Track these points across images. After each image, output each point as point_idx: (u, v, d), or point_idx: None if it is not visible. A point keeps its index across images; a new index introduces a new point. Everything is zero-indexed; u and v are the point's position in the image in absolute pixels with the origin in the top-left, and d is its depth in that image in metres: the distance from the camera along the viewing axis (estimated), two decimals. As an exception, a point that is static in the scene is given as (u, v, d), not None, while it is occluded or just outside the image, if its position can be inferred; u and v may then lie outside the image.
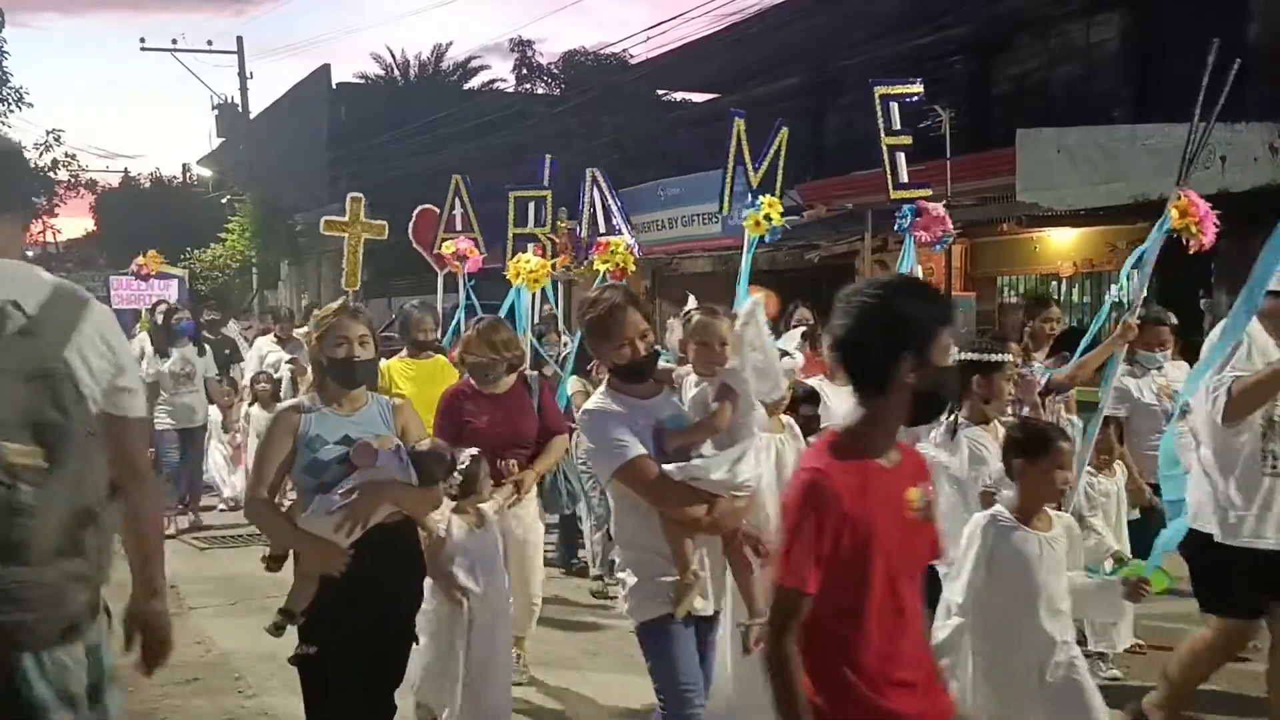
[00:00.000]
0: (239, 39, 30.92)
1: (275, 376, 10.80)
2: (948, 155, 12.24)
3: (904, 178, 7.12)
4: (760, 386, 3.81)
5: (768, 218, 7.08)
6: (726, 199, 7.90)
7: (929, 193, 7.25)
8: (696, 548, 3.65)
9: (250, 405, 10.21)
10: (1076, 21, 15.24)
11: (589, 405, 3.79)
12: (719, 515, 3.63)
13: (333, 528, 3.76)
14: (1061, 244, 13.11)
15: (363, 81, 33.30)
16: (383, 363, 9.10)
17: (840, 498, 2.49)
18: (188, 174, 44.64)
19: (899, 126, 7.18)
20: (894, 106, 7.14)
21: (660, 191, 17.37)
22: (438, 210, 10.49)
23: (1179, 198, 5.55)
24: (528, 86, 30.10)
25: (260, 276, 30.19)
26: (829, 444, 2.62)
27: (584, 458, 6.25)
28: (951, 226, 7.03)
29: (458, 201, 10.03)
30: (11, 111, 26.42)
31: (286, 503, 4.22)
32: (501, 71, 47.46)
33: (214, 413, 10.41)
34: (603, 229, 8.89)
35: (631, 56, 25.05)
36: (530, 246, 8.69)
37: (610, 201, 8.92)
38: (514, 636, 5.31)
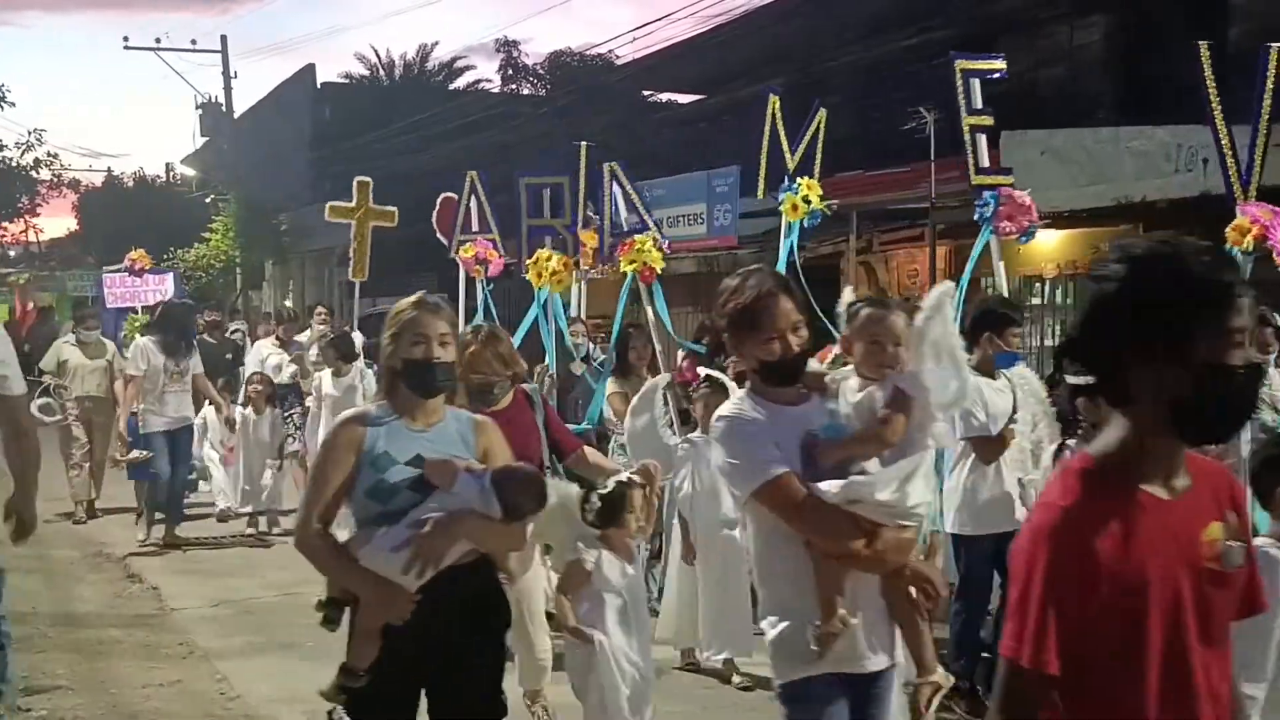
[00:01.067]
0: (223, 38, 30.64)
1: (275, 380, 10.31)
2: (932, 157, 12.27)
3: (985, 161, 6.45)
4: (942, 394, 3.12)
5: (806, 200, 6.52)
6: (762, 183, 7.19)
7: (1012, 180, 6.56)
8: (851, 588, 2.98)
9: (244, 407, 9.56)
10: (1061, 24, 15.31)
11: (725, 411, 3.12)
12: (882, 548, 2.95)
13: (400, 567, 3.11)
14: (1046, 246, 13.13)
15: (347, 81, 33.20)
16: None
17: (1092, 543, 1.87)
18: (171, 173, 44.41)
19: (980, 105, 6.59)
20: (975, 83, 6.56)
21: (645, 192, 17.31)
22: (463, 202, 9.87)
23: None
24: (513, 87, 30.09)
25: (244, 276, 30.04)
26: (1078, 471, 1.98)
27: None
28: (1038, 216, 6.38)
29: (473, 200, 9.29)
30: (-6, 111, 26.22)
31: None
32: (487, 72, 47.40)
33: (209, 414, 9.56)
34: (624, 226, 8.34)
35: (617, 57, 25.09)
36: (548, 240, 8.08)
37: (633, 196, 8.24)
38: (530, 691, 4.89)
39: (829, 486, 2.93)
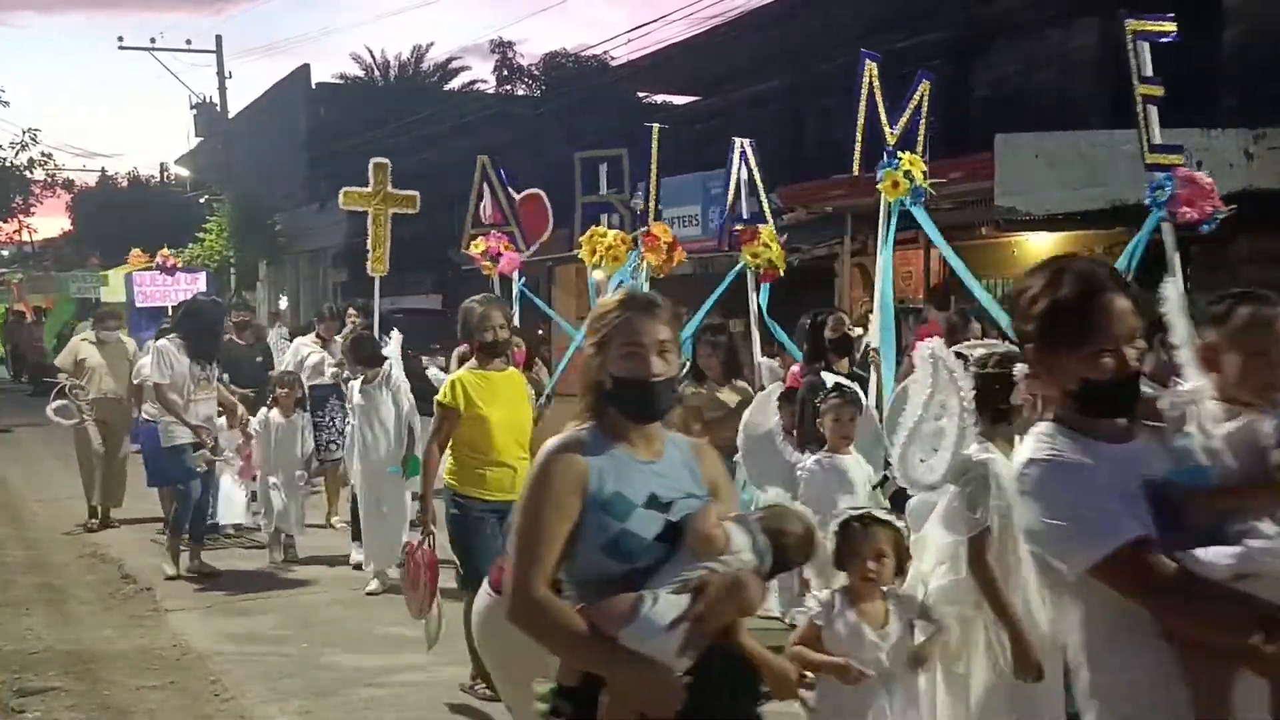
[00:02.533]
0: (218, 38, 30.72)
1: (314, 380, 9.50)
2: (926, 159, 12.29)
3: (1157, 137, 5.45)
4: None
5: (908, 176, 5.88)
6: (857, 158, 6.38)
7: (1182, 158, 5.62)
8: (1241, 698, 2.16)
9: (269, 409, 8.53)
10: (1054, 27, 15.33)
11: (1037, 453, 2.31)
12: None
13: (674, 647, 2.41)
14: (1039, 248, 13.17)
15: (342, 82, 33.17)
16: (436, 373, 7.73)
17: None
18: (165, 173, 44.38)
19: (1151, 73, 5.51)
20: (1146, 48, 5.54)
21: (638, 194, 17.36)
22: (517, 195, 8.87)
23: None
24: (508, 88, 30.06)
25: (238, 276, 30.03)
26: None
27: None
28: (1221, 203, 5.44)
29: (486, 189, 8.42)
30: (-13, 110, 26.16)
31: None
32: (482, 72, 47.40)
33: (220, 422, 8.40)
34: (744, 213, 7.19)
35: (612, 58, 25.08)
36: (604, 217, 7.17)
37: (758, 181, 7.08)
38: None
39: (1212, 556, 2.14)
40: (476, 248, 8.06)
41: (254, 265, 30.93)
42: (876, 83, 6.27)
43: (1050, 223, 11.69)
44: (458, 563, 5.38)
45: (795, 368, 6.68)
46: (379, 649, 6.33)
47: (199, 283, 13.22)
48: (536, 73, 29.36)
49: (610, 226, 7.62)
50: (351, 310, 10.49)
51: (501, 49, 29.67)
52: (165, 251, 13.31)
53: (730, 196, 7.09)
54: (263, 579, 7.94)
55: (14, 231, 36.71)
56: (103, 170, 46.63)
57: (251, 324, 11.18)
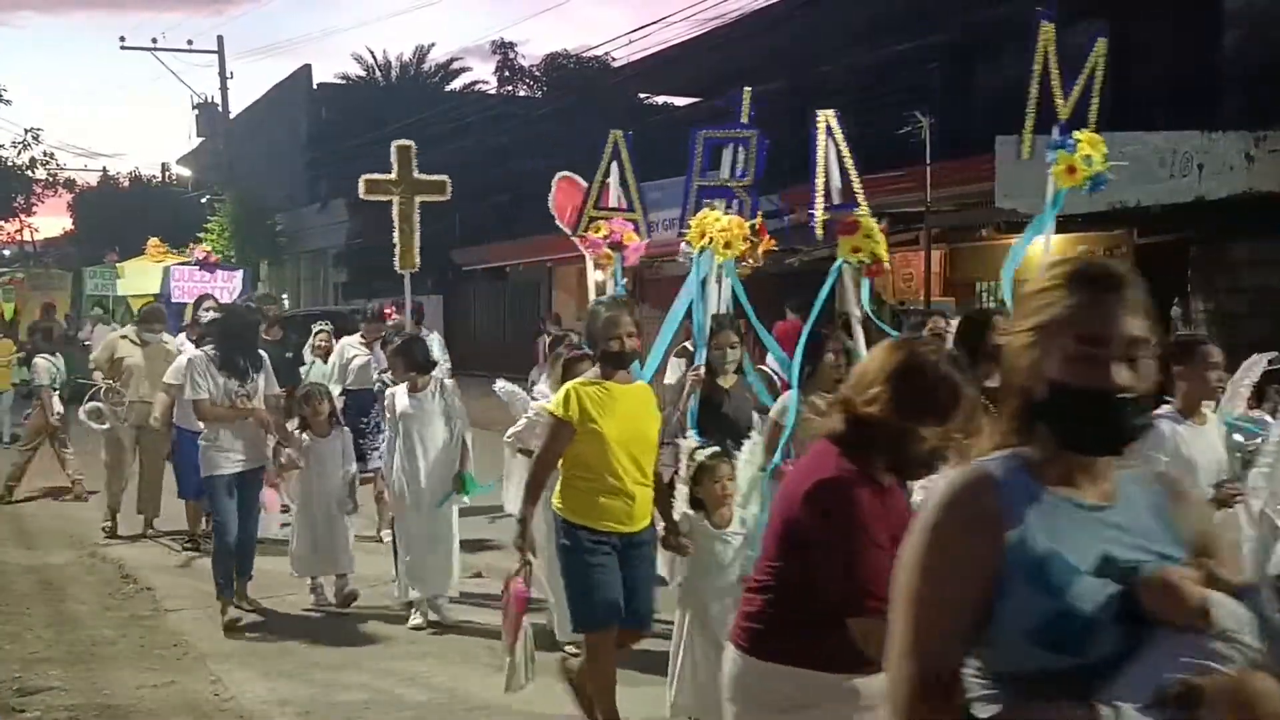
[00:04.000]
0: (219, 38, 30.83)
1: (358, 385, 8.78)
2: (927, 161, 12.30)
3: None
4: None
5: (1088, 160, 5.19)
6: (1026, 138, 5.58)
7: None
8: None
9: (300, 431, 7.25)
10: (1058, 29, 15.34)
11: None
12: None
13: None
14: (1038, 251, 13.19)
15: (344, 82, 33.20)
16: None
17: None
18: (167, 173, 44.39)
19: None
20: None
21: (642, 195, 17.37)
22: (581, 181, 7.89)
23: None
24: (509, 89, 30.08)
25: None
26: None
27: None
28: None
29: (614, 167, 7.18)
30: (-11, 109, 26.17)
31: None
32: (483, 73, 47.35)
33: None
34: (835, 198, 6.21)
35: (613, 60, 25.09)
36: (720, 204, 6.30)
37: (847, 158, 6.06)
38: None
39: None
40: (596, 231, 6.88)
41: (255, 265, 30.97)
42: (1052, 48, 5.56)
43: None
44: (554, 601, 5.13)
45: None
46: (380, 651, 6.33)
47: (235, 280, 12.56)
48: (538, 74, 29.38)
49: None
50: (391, 308, 9.75)
51: (503, 50, 29.72)
52: (204, 247, 12.85)
53: (820, 179, 5.93)
54: (263, 581, 7.81)
55: (15, 231, 36.75)
56: (104, 170, 46.68)
57: (279, 319, 10.44)
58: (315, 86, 33.15)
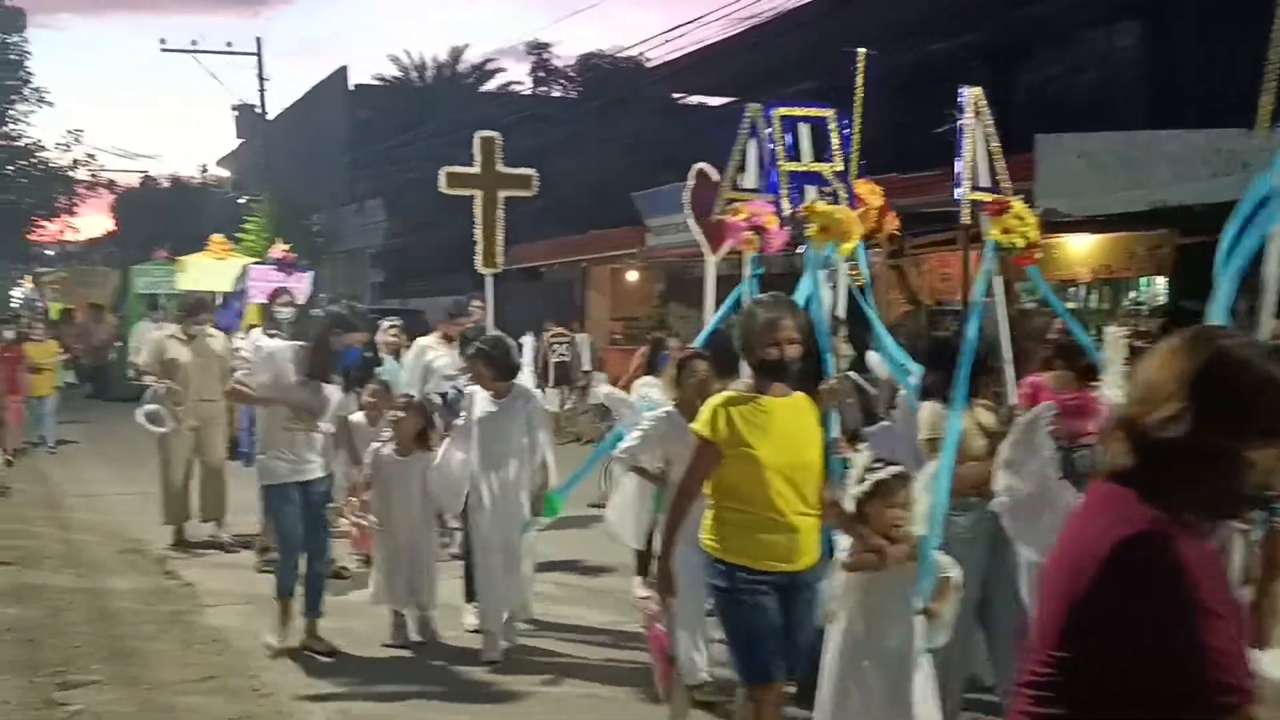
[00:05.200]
0: (258, 40, 30.94)
1: (439, 389, 7.84)
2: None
3: None
4: None
5: None
6: (1266, 118, 4.66)
7: None
8: None
9: (385, 448, 6.54)
10: (1096, 29, 15.20)
11: None
12: None
13: None
14: (1080, 250, 13.07)
15: (380, 83, 33.42)
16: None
17: None
18: (206, 174, 44.90)
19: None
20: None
21: (676, 195, 17.35)
22: (713, 172, 7.26)
23: None
24: (544, 89, 30.16)
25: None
26: None
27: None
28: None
29: (753, 144, 6.38)
30: (33, 111, 26.54)
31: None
32: (518, 74, 47.54)
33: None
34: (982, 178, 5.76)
35: (648, 60, 25.08)
36: (811, 191, 5.71)
37: (992, 137, 5.62)
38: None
39: None
40: (736, 214, 6.16)
41: (292, 265, 31.23)
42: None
43: (1091, 224, 11.59)
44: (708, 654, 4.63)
45: (1035, 379, 5.62)
46: (427, 650, 6.36)
47: (305, 281, 12.13)
48: (572, 74, 29.43)
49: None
50: (477, 302, 8.86)
51: (537, 51, 29.79)
52: (281, 247, 12.28)
53: (968, 155, 5.48)
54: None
55: (58, 232, 37.25)
56: (145, 171, 47.23)
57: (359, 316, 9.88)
58: (352, 88, 33.37)
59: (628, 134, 23.33)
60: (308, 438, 6.13)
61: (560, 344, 15.45)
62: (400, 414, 6.54)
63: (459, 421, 6.32)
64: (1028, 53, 16.13)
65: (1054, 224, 11.74)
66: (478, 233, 7.57)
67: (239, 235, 29.33)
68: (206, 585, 7.71)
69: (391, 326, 9.57)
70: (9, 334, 14.45)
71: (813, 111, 5.96)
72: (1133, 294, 13.29)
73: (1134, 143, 10.83)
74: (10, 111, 26.18)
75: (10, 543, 9.02)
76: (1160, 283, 12.56)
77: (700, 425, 4.09)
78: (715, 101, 24.73)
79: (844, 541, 4.22)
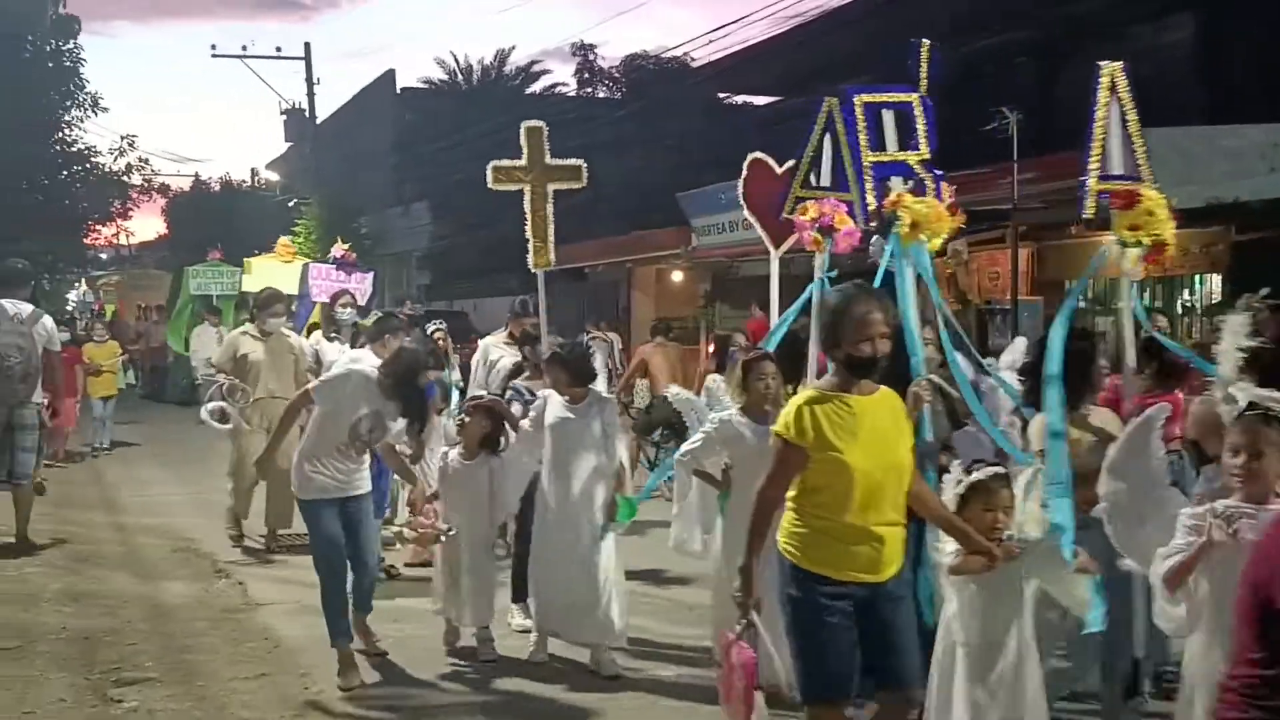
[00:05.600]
0: (306, 45, 31.27)
1: (502, 392, 7.17)
2: (1014, 158, 12.08)
3: None
4: None
5: None
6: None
7: None
8: None
9: (451, 448, 6.36)
10: (1146, 24, 14.97)
11: None
12: None
13: None
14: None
15: (427, 87, 33.67)
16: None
17: None
18: (256, 178, 45.47)
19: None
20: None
21: (721, 195, 17.33)
22: (774, 165, 6.93)
23: None
24: (589, 91, 30.24)
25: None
26: None
27: None
28: None
29: (826, 141, 6.01)
30: (88, 117, 26.97)
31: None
32: (563, 76, 47.72)
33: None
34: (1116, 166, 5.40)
35: (693, 60, 25.08)
36: (898, 182, 5.29)
37: (1131, 120, 5.29)
38: None
39: None
40: (804, 213, 5.89)
41: (340, 268, 31.53)
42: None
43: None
44: (788, 666, 4.05)
45: (1115, 380, 5.33)
46: (468, 652, 6.37)
47: (366, 282, 11.80)
48: (617, 75, 29.48)
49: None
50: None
51: (583, 52, 29.87)
52: (342, 246, 11.92)
53: (1097, 143, 5.22)
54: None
55: (112, 235, 37.85)
56: (196, 175, 47.86)
57: (418, 320, 9.34)
58: (399, 91, 33.64)
59: (673, 134, 23.35)
60: (356, 451, 5.80)
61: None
62: (467, 417, 6.20)
63: (526, 424, 6.13)
64: (1076, 48, 15.91)
65: (1105, 221, 11.59)
66: (528, 229, 7.25)
67: (288, 237, 29.74)
68: (258, 584, 7.80)
69: (436, 330, 9.55)
70: (64, 336, 14.37)
71: (898, 96, 5.50)
72: (1187, 292, 13.08)
73: (1188, 138, 10.67)
74: (65, 118, 26.60)
75: (66, 542, 9.17)
76: (1216, 280, 12.35)
77: (783, 427, 3.80)
78: (760, 101, 24.67)
79: (947, 545, 4.06)
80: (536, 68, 33.69)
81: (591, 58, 29.86)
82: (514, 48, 43.29)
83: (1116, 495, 4.00)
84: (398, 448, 6.14)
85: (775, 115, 22.05)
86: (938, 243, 5.05)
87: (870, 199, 5.25)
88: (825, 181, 6.02)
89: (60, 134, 26.70)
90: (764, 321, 8.36)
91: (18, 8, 23.48)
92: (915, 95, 5.49)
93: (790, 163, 6.65)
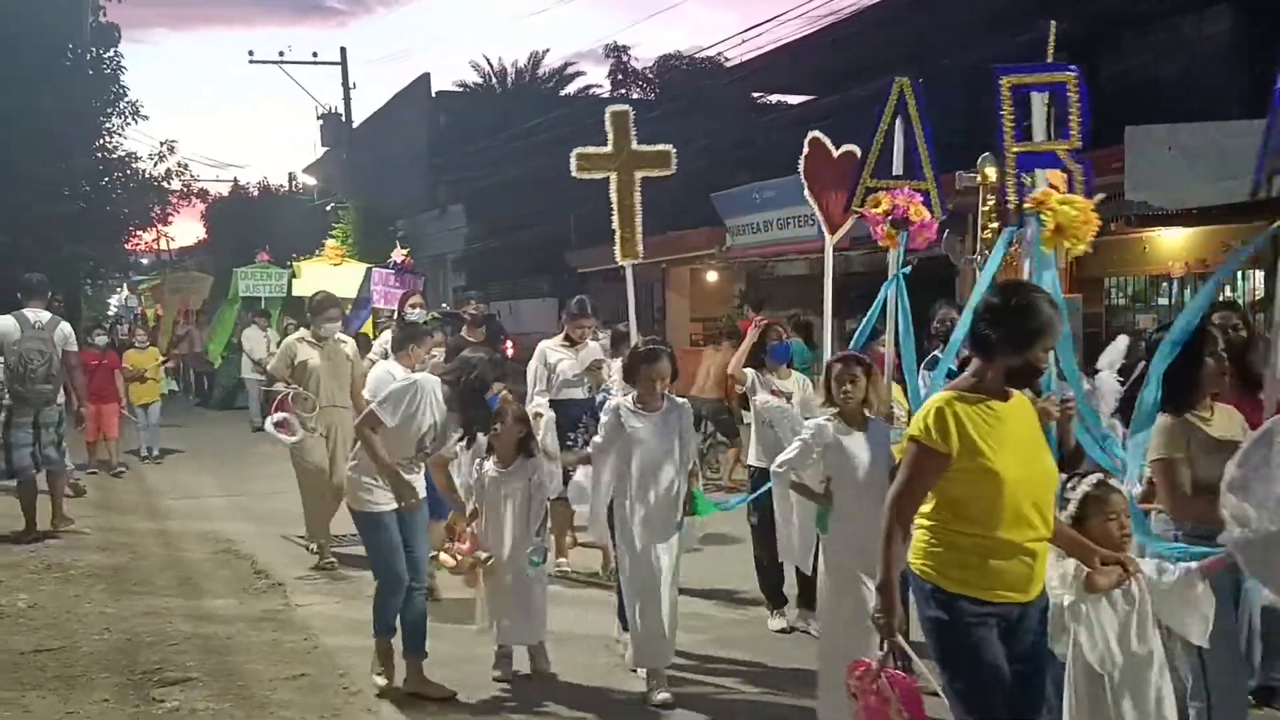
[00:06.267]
0: (342, 50, 31.48)
1: (559, 394, 7.33)
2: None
3: None
4: None
5: None
6: None
7: None
8: None
9: (487, 457, 6.00)
10: (1185, 16, 14.78)
11: None
12: None
13: None
14: (1172, 244, 12.73)
15: (462, 90, 33.82)
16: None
17: None
18: (294, 182, 45.83)
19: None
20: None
21: (755, 195, 17.29)
22: (833, 148, 6.46)
23: None
24: (623, 92, 30.27)
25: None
26: None
27: None
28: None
29: (897, 125, 5.64)
30: (128, 124, 27.26)
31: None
32: (596, 77, 47.87)
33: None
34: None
35: (726, 59, 25.02)
36: (1041, 174, 4.85)
37: None
38: None
39: None
40: (874, 205, 5.49)
41: (376, 271, 31.70)
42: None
43: (1184, 217, 11.29)
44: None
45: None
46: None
47: (419, 286, 11.34)
48: (650, 76, 29.49)
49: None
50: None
51: (616, 53, 29.90)
52: (402, 251, 11.67)
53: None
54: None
55: (152, 240, 38.24)
56: (235, 180, 48.30)
57: (483, 318, 9.12)
58: (434, 95, 33.81)
59: (706, 134, 23.29)
60: (416, 463, 5.61)
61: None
62: (508, 422, 5.81)
63: (598, 439, 5.73)
64: (1114, 42, 15.74)
65: (1145, 217, 11.46)
66: (614, 219, 6.76)
67: (325, 241, 29.96)
68: (296, 584, 7.87)
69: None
70: (102, 340, 13.72)
71: (1052, 76, 4.97)
72: (1229, 288, 12.90)
73: (1227, 132, 10.51)
74: (106, 125, 26.90)
75: (109, 545, 9.30)
76: (1258, 276, 12.18)
77: (924, 430, 3.48)
78: (794, 100, 24.57)
79: (1067, 566, 3.79)
80: (570, 70, 33.80)
81: (625, 59, 29.89)
82: (548, 50, 43.47)
83: (1243, 518, 3.55)
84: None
85: (809, 114, 21.98)
86: (1081, 248, 4.68)
87: (1011, 196, 4.86)
88: (898, 170, 5.67)
89: (101, 141, 26.98)
90: (748, 324, 8.10)
91: (59, 17, 23.78)
92: (1072, 74, 4.98)
93: (846, 147, 6.35)
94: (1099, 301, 13.25)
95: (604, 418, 5.74)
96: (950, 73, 15.72)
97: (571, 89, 33.17)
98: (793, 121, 23.09)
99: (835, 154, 6.42)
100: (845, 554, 5.00)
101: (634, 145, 6.64)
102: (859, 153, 5.92)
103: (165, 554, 9.11)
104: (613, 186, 6.67)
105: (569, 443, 7.30)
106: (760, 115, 24.80)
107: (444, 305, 10.30)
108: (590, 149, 6.72)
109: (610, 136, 6.67)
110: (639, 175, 6.67)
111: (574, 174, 6.75)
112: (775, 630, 6.64)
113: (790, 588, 6.73)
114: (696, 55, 27.72)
